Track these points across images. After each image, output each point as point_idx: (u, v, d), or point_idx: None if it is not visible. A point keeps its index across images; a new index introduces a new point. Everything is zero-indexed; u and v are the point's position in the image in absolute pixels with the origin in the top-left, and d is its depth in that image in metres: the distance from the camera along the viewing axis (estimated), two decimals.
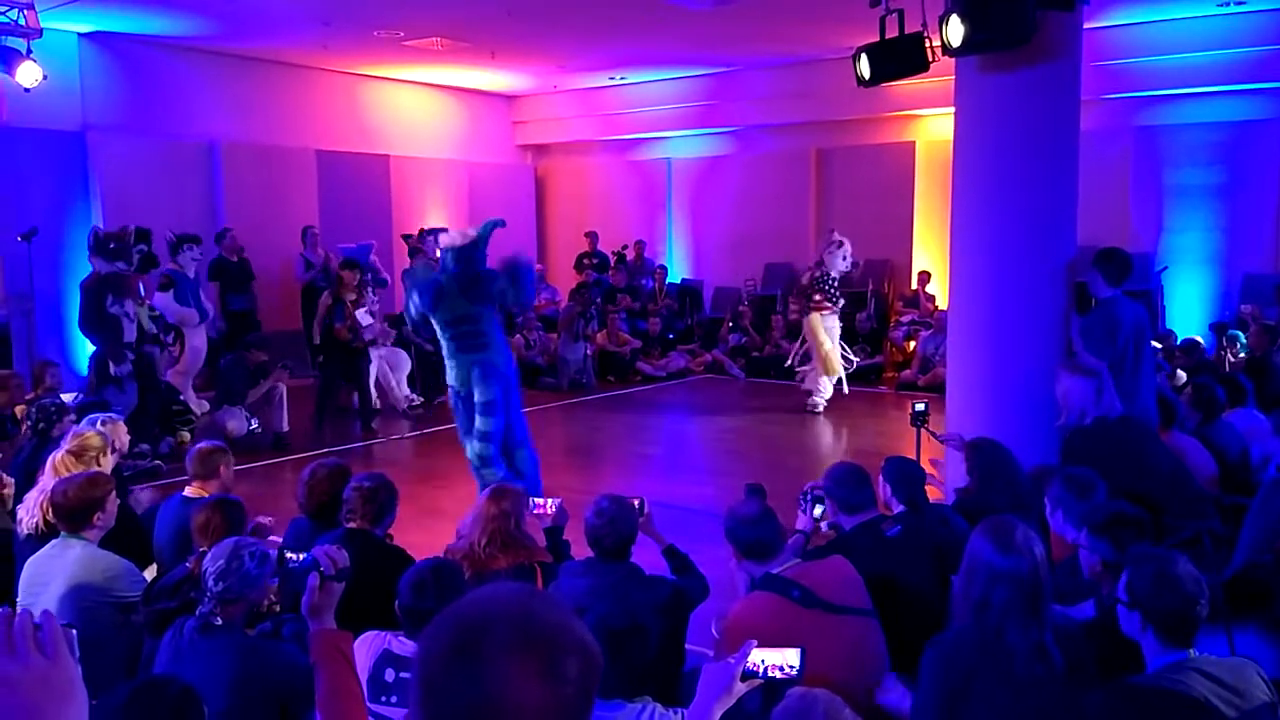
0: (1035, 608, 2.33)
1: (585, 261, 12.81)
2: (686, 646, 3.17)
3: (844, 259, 9.15)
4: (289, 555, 2.36)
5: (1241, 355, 7.79)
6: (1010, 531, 2.39)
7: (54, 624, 0.94)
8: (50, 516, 3.53)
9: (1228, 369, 7.37)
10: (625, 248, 13.07)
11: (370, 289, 9.41)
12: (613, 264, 12.77)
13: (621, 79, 12.84)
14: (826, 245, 9.24)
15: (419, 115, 13.05)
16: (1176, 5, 9.04)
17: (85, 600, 3.16)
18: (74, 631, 0.98)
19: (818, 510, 3.50)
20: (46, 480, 3.79)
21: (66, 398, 6.07)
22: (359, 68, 11.85)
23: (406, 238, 10.75)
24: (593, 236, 13.14)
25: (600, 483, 6.66)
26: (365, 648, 2.57)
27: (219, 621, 2.58)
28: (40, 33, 7.77)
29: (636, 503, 3.26)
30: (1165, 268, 10.04)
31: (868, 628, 2.81)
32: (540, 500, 3.63)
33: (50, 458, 3.97)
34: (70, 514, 3.30)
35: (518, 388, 5.56)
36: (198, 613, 2.61)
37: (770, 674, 1.71)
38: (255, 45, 10.45)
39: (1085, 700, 2.21)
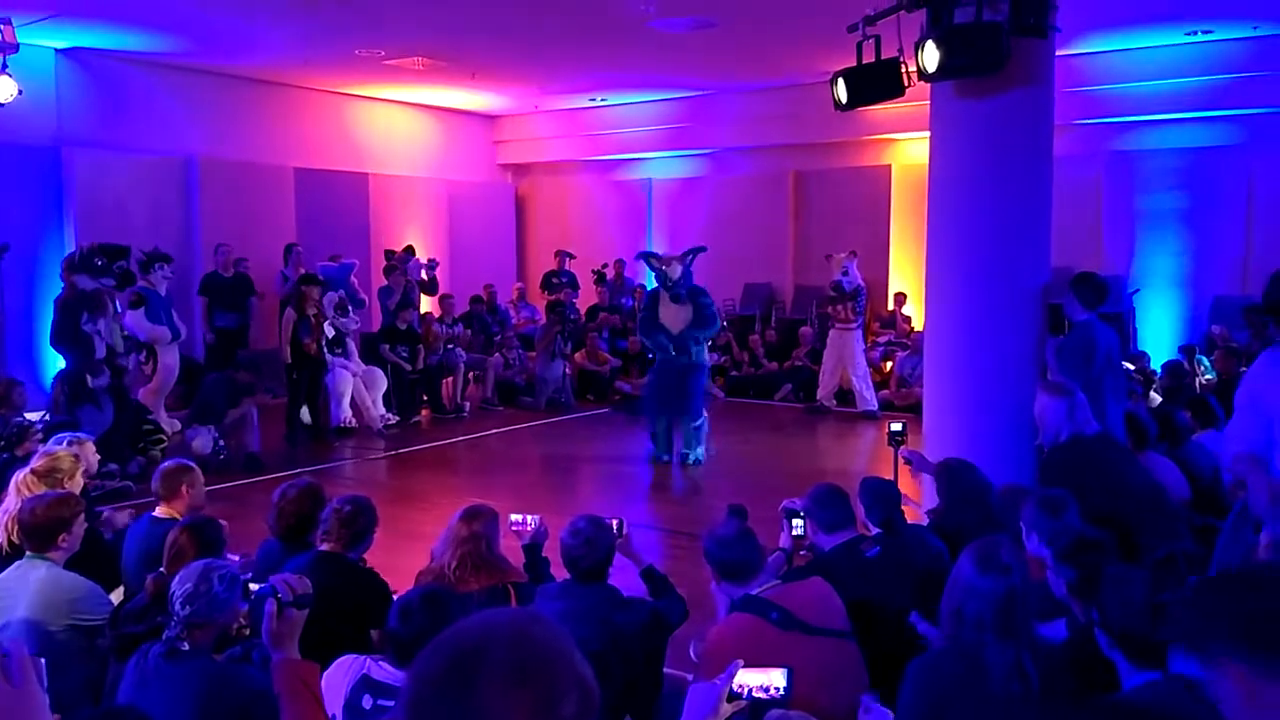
0: (1012, 626, 2.32)
1: (554, 280, 12.67)
2: (665, 670, 3.14)
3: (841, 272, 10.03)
4: (250, 586, 2.33)
5: (1208, 378, 7.88)
6: (994, 551, 2.39)
7: (22, 653, 0.92)
8: (15, 536, 3.45)
9: (1198, 390, 7.45)
10: (605, 266, 13.05)
11: (349, 308, 9.38)
12: (594, 282, 12.72)
13: (601, 100, 12.89)
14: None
15: (399, 134, 13.03)
16: (1146, 34, 9.22)
17: (49, 622, 3.09)
18: (42, 661, 0.96)
19: (796, 525, 3.49)
20: (10, 500, 3.71)
21: (33, 417, 5.97)
22: (339, 86, 11.82)
23: (390, 254, 10.70)
24: (562, 256, 12.74)
25: (578, 503, 6.62)
26: (342, 672, 2.50)
27: (185, 647, 2.50)
28: (16, 48, 7.71)
29: (614, 523, 3.22)
30: (1138, 290, 10.19)
31: (846, 650, 2.79)
32: (520, 517, 3.60)
33: (14, 477, 3.88)
34: (37, 533, 3.23)
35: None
36: (164, 637, 2.54)
37: (756, 695, 1.69)
38: (234, 63, 10.41)
39: (1059, 716, 2.20)
